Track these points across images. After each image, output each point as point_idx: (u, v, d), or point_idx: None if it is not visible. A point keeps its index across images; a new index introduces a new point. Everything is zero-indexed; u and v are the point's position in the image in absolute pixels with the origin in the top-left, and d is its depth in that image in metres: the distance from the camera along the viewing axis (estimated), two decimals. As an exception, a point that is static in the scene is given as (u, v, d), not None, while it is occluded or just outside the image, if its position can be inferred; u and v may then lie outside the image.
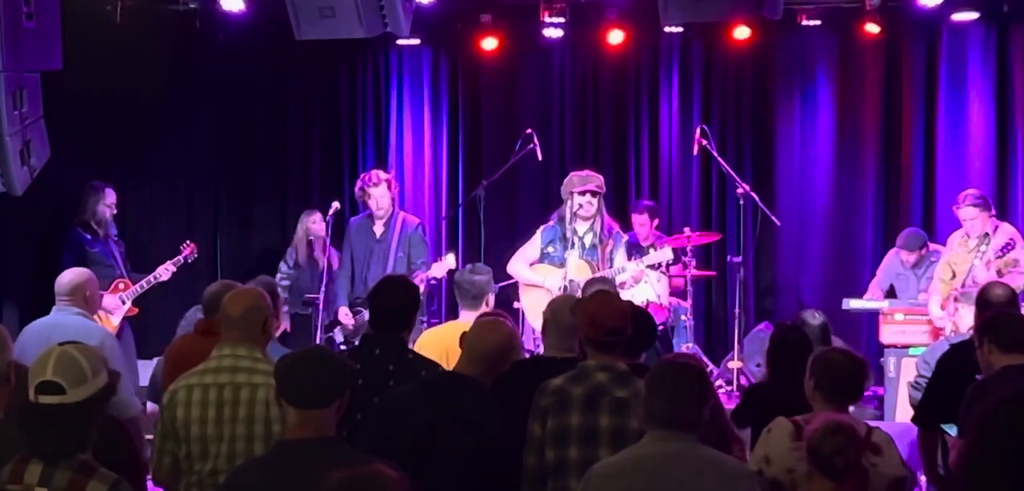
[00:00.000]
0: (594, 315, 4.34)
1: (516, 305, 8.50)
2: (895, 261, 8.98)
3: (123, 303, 8.25)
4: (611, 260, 8.14)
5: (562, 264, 8.13)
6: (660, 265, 8.52)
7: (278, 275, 8.84)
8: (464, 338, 4.37)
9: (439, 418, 4.09)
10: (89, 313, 6.01)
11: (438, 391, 4.24)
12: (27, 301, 7.85)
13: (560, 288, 7.95)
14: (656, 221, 9.45)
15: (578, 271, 8.00)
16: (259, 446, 4.16)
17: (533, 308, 8.22)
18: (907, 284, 8.83)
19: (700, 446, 3.62)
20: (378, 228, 8.53)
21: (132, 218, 9.89)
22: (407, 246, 8.44)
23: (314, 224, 9.09)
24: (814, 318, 5.84)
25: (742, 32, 9.74)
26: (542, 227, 8.43)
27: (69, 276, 6.05)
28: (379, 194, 8.47)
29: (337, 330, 8.42)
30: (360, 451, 3.56)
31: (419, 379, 4.45)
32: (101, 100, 9.39)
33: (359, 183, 8.68)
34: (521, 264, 8.37)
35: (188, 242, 8.82)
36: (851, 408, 4.35)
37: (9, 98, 6.28)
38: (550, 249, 8.26)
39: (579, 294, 7.55)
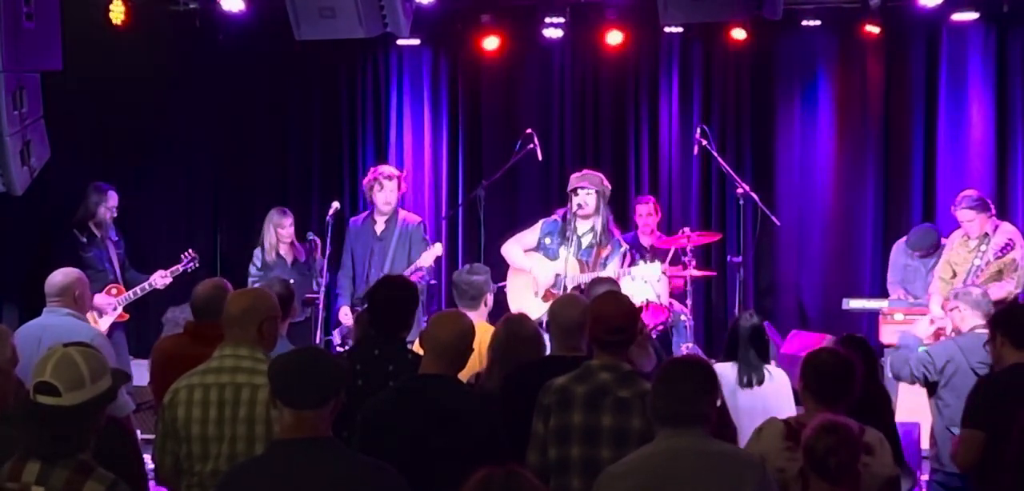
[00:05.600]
0: (598, 313, 4.36)
1: (501, 284, 8.39)
2: (901, 254, 8.93)
3: (114, 309, 8.23)
4: (604, 265, 8.11)
5: (556, 258, 8.13)
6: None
7: (249, 280, 8.60)
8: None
9: (422, 423, 4.06)
10: (79, 313, 5.99)
11: (415, 396, 4.17)
12: (27, 302, 7.83)
13: (550, 283, 7.97)
14: (658, 216, 9.45)
15: (569, 268, 8.00)
16: (260, 446, 4.14)
17: (516, 292, 8.25)
18: (915, 275, 8.78)
19: (710, 439, 3.61)
20: (379, 226, 8.51)
21: (132, 219, 9.86)
22: (408, 244, 8.42)
23: (283, 229, 8.65)
24: (748, 320, 5.78)
25: (742, 32, 9.73)
26: (544, 219, 8.41)
27: (58, 277, 6.02)
28: (390, 188, 8.41)
29: (336, 331, 8.38)
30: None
31: (391, 387, 4.36)
32: (101, 100, 9.41)
33: (371, 174, 8.56)
34: (516, 248, 8.34)
35: (190, 251, 8.76)
36: None
37: (9, 98, 6.27)
38: (548, 240, 8.24)
39: (568, 290, 7.57)
